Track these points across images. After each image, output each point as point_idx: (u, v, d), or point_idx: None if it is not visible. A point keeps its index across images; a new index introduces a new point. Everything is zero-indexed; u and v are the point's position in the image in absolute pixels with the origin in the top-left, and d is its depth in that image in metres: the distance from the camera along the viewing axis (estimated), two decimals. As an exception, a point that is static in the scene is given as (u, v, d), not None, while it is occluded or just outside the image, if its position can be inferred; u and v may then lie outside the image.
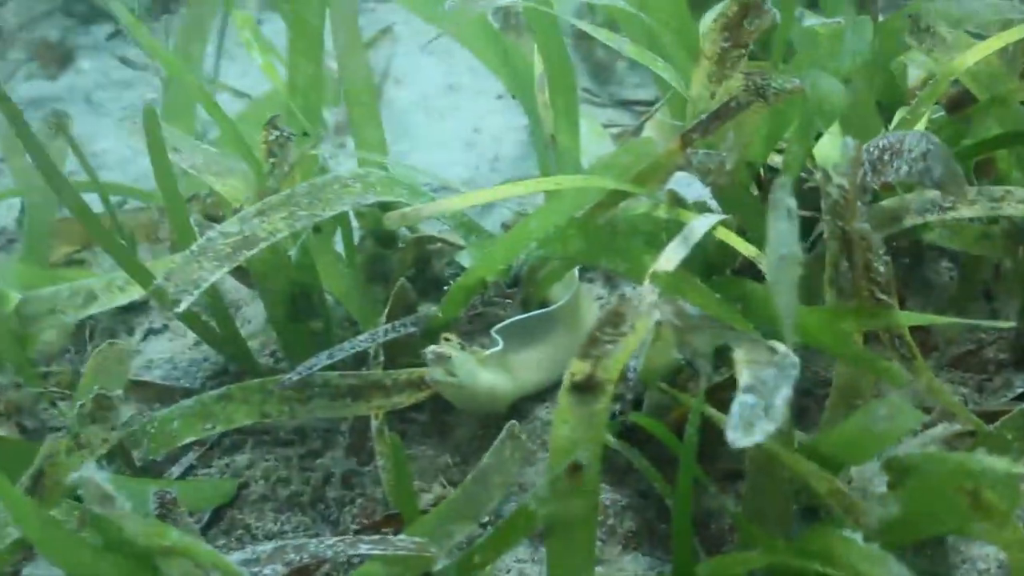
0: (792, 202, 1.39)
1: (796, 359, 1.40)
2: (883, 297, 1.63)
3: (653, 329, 1.57)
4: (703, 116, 1.94)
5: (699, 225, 1.72)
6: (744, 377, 1.38)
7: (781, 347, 1.43)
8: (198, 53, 2.82)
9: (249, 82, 3.31)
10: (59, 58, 3.80)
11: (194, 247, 1.86)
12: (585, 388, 1.56)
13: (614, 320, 1.52)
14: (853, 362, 1.69)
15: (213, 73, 3.38)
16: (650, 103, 2.99)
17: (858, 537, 1.46)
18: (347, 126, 2.90)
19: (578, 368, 1.55)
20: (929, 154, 1.66)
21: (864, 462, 1.65)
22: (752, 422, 1.30)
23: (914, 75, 2.46)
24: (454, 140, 3.13)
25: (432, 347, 1.97)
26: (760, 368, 1.39)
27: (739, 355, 1.44)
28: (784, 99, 1.91)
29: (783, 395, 1.32)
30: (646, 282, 1.58)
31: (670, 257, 1.68)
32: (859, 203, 1.60)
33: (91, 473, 1.39)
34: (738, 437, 1.28)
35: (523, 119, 3.08)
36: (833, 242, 1.63)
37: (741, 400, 1.33)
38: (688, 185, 1.81)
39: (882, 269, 1.61)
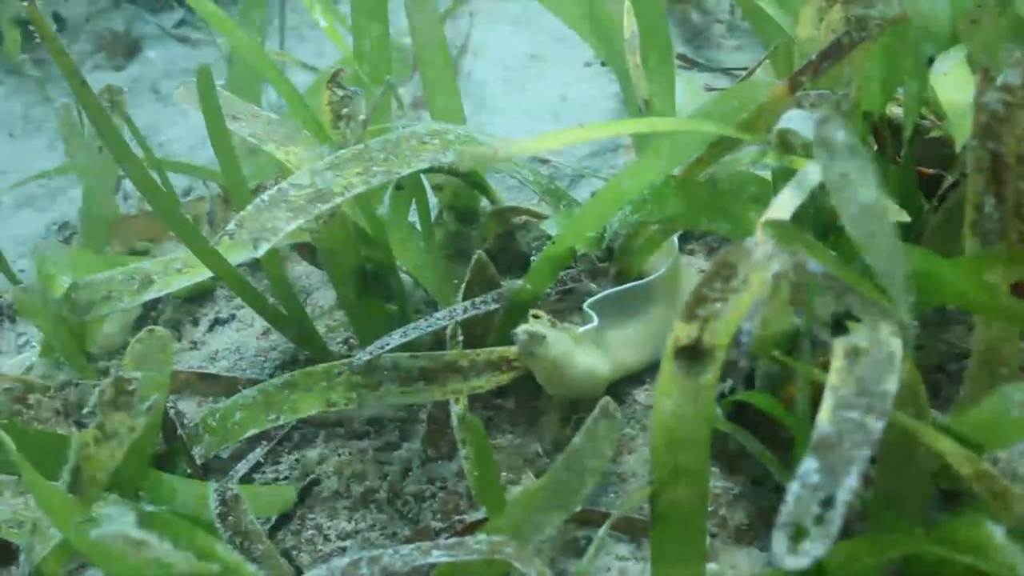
0: (846, 136, 1.22)
1: (897, 370, 1.21)
2: (1036, 239, 1.40)
3: (770, 286, 1.34)
4: (812, 56, 1.73)
5: (817, 168, 1.50)
6: (822, 414, 1.18)
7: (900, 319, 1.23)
8: (259, 22, 2.65)
9: (324, 63, 3.19)
10: (125, 48, 3.72)
11: (264, 197, 1.69)
12: (691, 355, 1.36)
13: (724, 273, 1.31)
14: (1004, 317, 1.46)
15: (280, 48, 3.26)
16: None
17: (998, 531, 1.23)
18: (423, 102, 2.75)
19: (683, 331, 1.35)
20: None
21: (1005, 447, 1.43)
22: (804, 526, 1.10)
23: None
24: (539, 110, 2.95)
25: (523, 326, 1.77)
26: (849, 397, 1.19)
27: (840, 349, 1.23)
28: (887, 30, 1.69)
29: (847, 488, 1.11)
30: (757, 233, 1.36)
31: (783, 205, 1.46)
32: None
33: (115, 527, 1.25)
34: (782, 556, 1.09)
35: (612, 87, 2.93)
36: (978, 175, 1.40)
37: (802, 474, 1.13)
38: (803, 121, 1.58)
39: (1037, 203, 1.38)
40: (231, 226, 1.65)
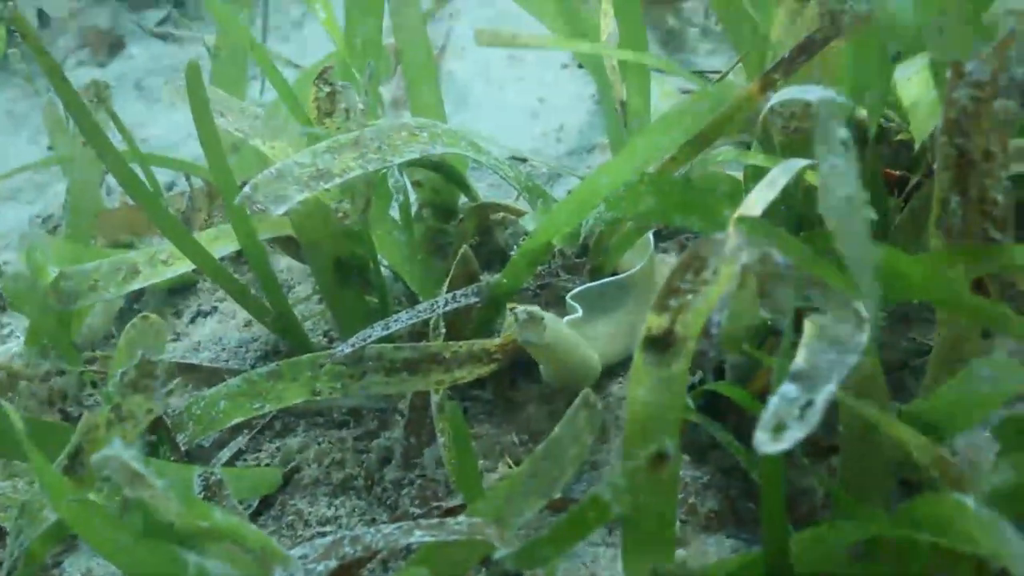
0: (844, 132, 1.26)
1: (866, 332, 1.24)
2: (997, 235, 1.45)
3: (738, 278, 1.38)
4: (785, 54, 1.77)
5: (791, 165, 1.54)
6: (798, 358, 1.21)
7: (861, 311, 1.27)
8: (244, 20, 2.69)
9: (306, 63, 3.21)
10: (109, 45, 3.74)
11: (271, 169, 1.74)
12: (663, 345, 1.40)
13: (695, 264, 1.35)
14: (966, 312, 1.50)
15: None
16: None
17: (970, 500, 1.26)
18: (404, 101, 2.79)
19: (655, 322, 1.39)
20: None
21: (968, 428, 1.47)
22: (784, 423, 1.13)
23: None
24: (518, 110, 2.99)
25: (522, 307, 1.81)
26: (822, 346, 1.22)
27: (811, 322, 1.27)
28: (861, 28, 1.73)
29: (826, 392, 1.15)
30: (729, 228, 1.41)
31: (756, 200, 1.50)
32: (995, 104, 1.41)
33: (117, 451, 1.23)
34: (764, 442, 1.12)
35: (588, 89, 2.98)
36: (945, 173, 1.44)
37: (782, 391, 1.16)
38: (803, 91, 1.57)
39: (999, 199, 1.43)
40: (246, 190, 1.68)
